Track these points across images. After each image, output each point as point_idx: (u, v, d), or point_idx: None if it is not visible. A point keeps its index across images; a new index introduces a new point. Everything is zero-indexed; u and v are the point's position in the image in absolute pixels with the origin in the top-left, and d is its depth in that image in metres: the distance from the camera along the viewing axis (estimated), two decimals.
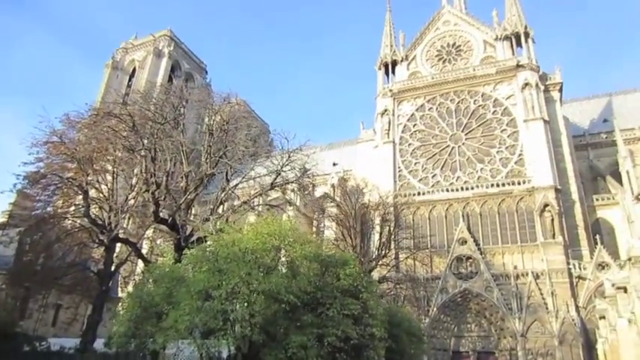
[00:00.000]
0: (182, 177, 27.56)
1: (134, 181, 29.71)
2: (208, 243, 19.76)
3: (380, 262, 40.46)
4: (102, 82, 77.56)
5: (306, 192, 50.34)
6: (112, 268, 30.74)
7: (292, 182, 28.47)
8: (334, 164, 63.00)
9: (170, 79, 73.98)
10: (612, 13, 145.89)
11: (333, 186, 54.50)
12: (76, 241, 31.55)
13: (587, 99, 60.53)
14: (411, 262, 44.88)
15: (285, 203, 37.90)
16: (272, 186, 27.61)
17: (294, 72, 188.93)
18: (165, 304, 18.36)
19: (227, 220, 27.16)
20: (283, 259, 19.26)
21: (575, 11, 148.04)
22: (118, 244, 32.28)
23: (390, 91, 54.37)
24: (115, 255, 32.01)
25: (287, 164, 27.13)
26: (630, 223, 41.18)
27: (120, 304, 26.11)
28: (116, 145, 26.14)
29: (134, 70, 79.67)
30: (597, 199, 46.89)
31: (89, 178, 27.37)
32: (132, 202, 30.80)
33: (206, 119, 38.42)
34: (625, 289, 27.90)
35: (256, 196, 28.88)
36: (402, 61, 56.67)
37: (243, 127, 26.97)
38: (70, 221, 31.59)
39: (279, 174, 26.82)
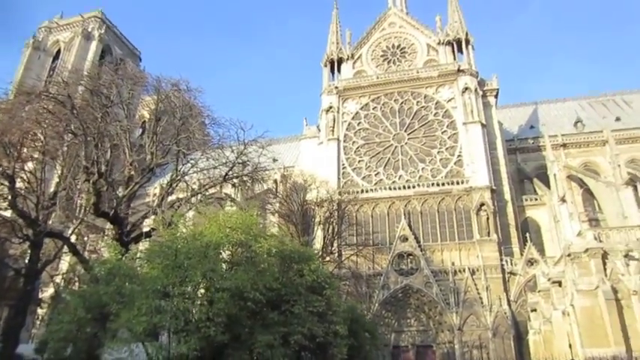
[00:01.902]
0: (126, 166, 25.55)
1: (65, 170, 27.05)
2: (164, 237, 18.26)
3: (324, 259, 40.30)
4: (21, 63, 70.71)
5: (247, 187, 49.12)
6: (39, 266, 27.91)
7: (248, 175, 27.41)
8: (274, 160, 62.00)
9: (100, 65, 69.03)
10: (537, 27, 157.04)
11: (275, 182, 53.60)
12: None
13: (515, 106, 64.34)
14: (354, 259, 45.22)
15: (225, 198, 36.54)
16: (225, 178, 26.41)
17: (233, 66, 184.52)
18: (115, 304, 16.79)
19: (173, 213, 25.60)
20: (246, 254, 18.28)
21: (504, 22, 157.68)
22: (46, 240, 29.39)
23: (336, 88, 54.44)
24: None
25: (242, 156, 26.10)
26: (556, 223, 44.22)
27: (53, 306, 23.73)
28: (51, 128, 23.64)
29: (58, 52, 73.54)
30: (526, 200, 49.88)
31: (16, 165, 24.58)
32: (63, 192, 28.18)
33: (142, 107, 36.16)
34: (560, 283, 29.89)
35: (210, 188, 27.42)
36: (347, 59, 56.97)
37: (196, 114, 25.38)
38: None
39: (234, 165, 25.69)
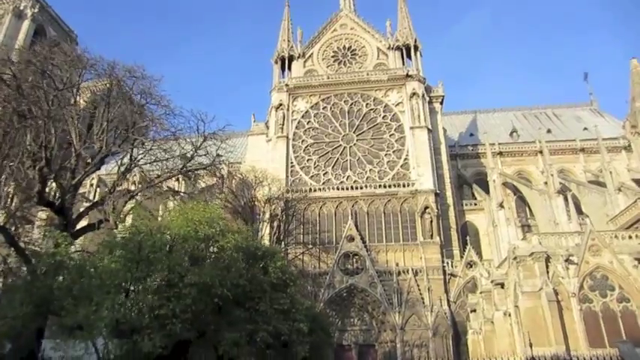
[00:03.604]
0: (73, 154, 23.68)
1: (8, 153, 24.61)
2: (126, 229, 17.07)
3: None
4: None
5: (192, 181, 47.48)
6: None
7: (206, 168, 26.41)
8: (218, 155, 60.44)
9: (32, 46, 63.97)
10: (474, 38, 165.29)
11: (222, 177, 52.16)
12: None
13: (456, 113, 67.25)
14: (301, 258, 45.07)
15: (169, 192, 35.05)
16: (181, 170, 25.27)
17: (177, 58, 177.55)
18: (69, 299, 15.50)
19: (134, 204, 24.19)
20: (213, 248, 17.56)
21: (445, 30, 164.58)
22: None
23: (286, 85, 54.05)
24: None
25: (200, 148, 25.12)
26: (494, 227, 46.75)
27: None
28: None
29: None
30: (466, 205, 52.22)
31: None
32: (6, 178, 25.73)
33: (88, 92, 33.90)
34: (502, 285, 31.47)
35: (165, 180, 26.07)
36: (298, 57, 56.77)
37: (154, 103, 24.02)
38: None
39: (193, 157, 24.64)
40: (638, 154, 31.52)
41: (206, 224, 17.00)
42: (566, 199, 45.16)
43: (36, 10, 68.67)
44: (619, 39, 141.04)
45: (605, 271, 26.28)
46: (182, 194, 37.54)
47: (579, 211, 46.11)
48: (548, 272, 25.89)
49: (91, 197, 52.61)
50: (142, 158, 25.79)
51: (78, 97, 25.21)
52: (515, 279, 27.65)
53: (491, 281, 32.74)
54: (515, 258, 27.22)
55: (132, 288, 15.35)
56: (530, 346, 20.77)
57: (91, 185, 55.17)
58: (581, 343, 24.37)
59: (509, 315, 29.86)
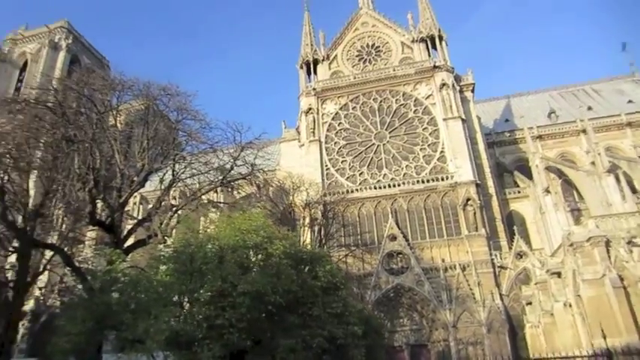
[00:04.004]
0: (118, 173, 24.19)
1: (48, 181, 25.42)
2: (175, 243, 17.11)
3: None
4: None
5: (230, 192, 47.88)
6: (29, 279, 26.14)
7: (245, 177, 26.50)
8: (253, 165, 60.88)
9: (69, 75, 66.80)
10: (500, 19, 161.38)
11: (259, 185, 52.39)
12: None
13: (488, 100, 65.36)
14: (343, 260, 44.57)
15: (210, 204, 35.35)
16: (222, 181, 25.41)
17: (202, 72, 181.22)
18: (128, 314, 15.64)
19: (180, 218, 24.49)
20: (260, 256, 17.37)
21: (467, 16, 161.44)
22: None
23: (314, 89, 53.95)
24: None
25: (238, 158, 25.24)
26: (542, 214, 44.96)
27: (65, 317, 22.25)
28: (41, 137, 22.23)
29: (25, 63, 71.35)
30: (509, 193, 50.49)
31: (6, 176, 22.95)
32: (56, 201, 26.62)
33: (127, 113, 34.65)
34: (559, 275, 30.01)
35: (210, 192, 26.35)
36: (323, 60, 56.63)
37: (191, 118, 24.31)
38: None
39: (232, 168, 24.76)
40: None
41: (253, 232, 16.88)
42: (617, 178, 43.00)
43: (70, 41, 71.81)
44: None
45: None
46: (222, 205, 38.01)
47: (633, 190, 43.84)
48: (609, 257, 24.44)
49: (134, 214, 54.03)
50: (182, 173, 26.16)
51: (117, 119, 25.75)
52: (574, 267, 26.32)
53: (547, 271, 31.31)
54: (571, 245, 25.90)
55: (187, 300, 15.32)
56: (604, 337, 19.40)
57: (134, 203, 56.57)
58: None
59: (570, 305, 28.40)
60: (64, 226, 29.63)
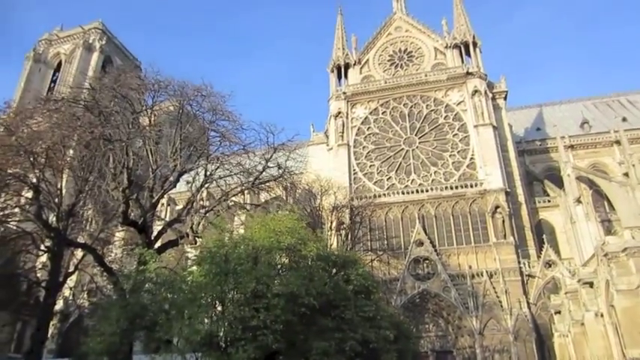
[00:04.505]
0: (150, 173, 24.88)
1: (82, 180, 26.26)
2: (210, 243, 17.55)
3: None
4: (21, 76, 69.82)
5: (257, 192, 48.44)
6: (61, 279, 27.05)
7: (276, 179, 26.94)
8: (278, 168, 61.48)
9: (102, 76, 68.57)
10: (535, 30, 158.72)
11: (285, 189, 52.88)
12: (13, 248, 27.49)
13: (520, 109, 64.44)
14: (370, 265, 44.61)
15: (239, 205, 35.83)
16: (254, 183, 25.89)
17: (231, 73, 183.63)
18: (162, 314, 16.10)
19: (214, 219, 24.98)
20: (296, 258, 17.69)
21: (503, 23, 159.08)
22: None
23: (344, 93, 54.19)
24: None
25: (270, 160, 25.70)
26: (572, 224, 44.21)
27: (97, 317, 22.94)
28: (78, 136, 22.97)
29: (59, 64, 73.03)
30: (538, 202, 49.78)
31: (41, 175, 23.80)
32: (86, 201, 27.48)
33: (160, 113, 35.50)
34: (591, 284, 29.53)
35: (239, 193, 26.87)
36: (354, 64, 56.83)
37: (225, 119, 24.82)
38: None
39: (264, 169, 25.23)
40: None
41: (287, 234, 17.18)
42: None
43: (103, 42, 73.51)
44: None
45: None
46: (250, 207, 38.53)
47: None
48: None
49: (161, 215, 55.09)
50: (214, 173, 26.70)
51: (152, 119, 26.44)
52: (607, 277, 25.81)
53: (578, 280, 30.74)
54: (605, 255, 25.41)
55: (221, 301, 15.70)
56: (630, 347, 19.08)
57: (162, 204, 57.69)
58: None
59: (602, 315, 27.87)
60: (93, 225, 30.46)
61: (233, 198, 29.50)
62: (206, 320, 15.32)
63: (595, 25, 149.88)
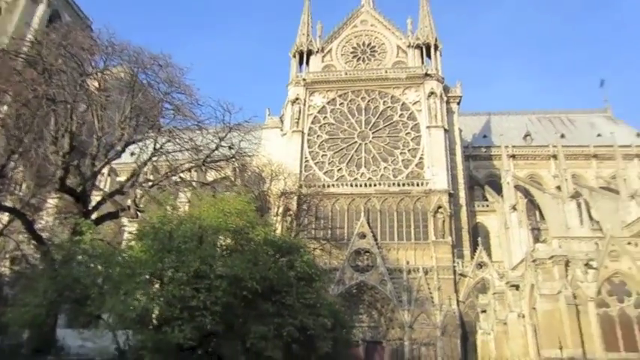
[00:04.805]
0: (95, 140, 23.68)
1: (26, 139, 24.58)
2: (154, 218, 17.03)
3: None
4: None
5: (204, 171, 47.49)
6: None
7: (228, 160, 26.47)
8: (230, 148, 60.49)
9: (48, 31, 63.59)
10: (491, 39, 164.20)
11: (234, 170, 52.17)
12: None
13: (470, 115, 66.68)
14: (312, 252, 45.00)
15: (187, 183, 34.89)
16: (205, 161, 25.29)
17: (190, 48, 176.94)
18: (95, 288, 15.52)
19: (146, 193, 24.16)
20: (242, 241, 17.54)
21: (464, 29, 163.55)
22: None
23: (304, 80, 53.93)
24: None
25: (224, 139, 25.20)
26: (506, 229, 46.63)
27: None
28: (15, 92, 21.33)
29: None
30: (478, 206, 52.09)
31: None
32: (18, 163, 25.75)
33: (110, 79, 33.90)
34: (517, 287, 31.42)
35: (187, 170, 26.16)
36: (317, 52, 56.65)
37: (181, 92, 23.96)
38: None
39: (217, 148, 24.71)
40: None
41: (236, 216, 16.99)
42: (579, 204, 45.03)
43: None
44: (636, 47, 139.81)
45: (623, 277, 26.17)
46: (197, 185, 37.61)
47: (590, 217, 45.95)
48: (567, 276, 25.79)
49: (101, 186, 52.63)
50: (163, 147, 25.79)
51: (102, 84, 25.11)
52: (533, 281, 27.59)
53: (506, 283, 32.67)
54: (534, 260, 27.14)
55: (162, 278, 15.35)
56: (561, 348, 20.61)
57: (102, 174, 55.15)
58: (597, 347, 24.32)
59: (524, 316, 29.84)
60: (24, 189, 28.58)
61: (181, 174, 28.72)
62: (143, 297, 14.85)
63: (548, 44, 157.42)
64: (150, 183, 26.04)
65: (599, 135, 61.18)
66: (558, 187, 51.01)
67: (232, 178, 50.72)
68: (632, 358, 22.64)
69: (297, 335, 17.03)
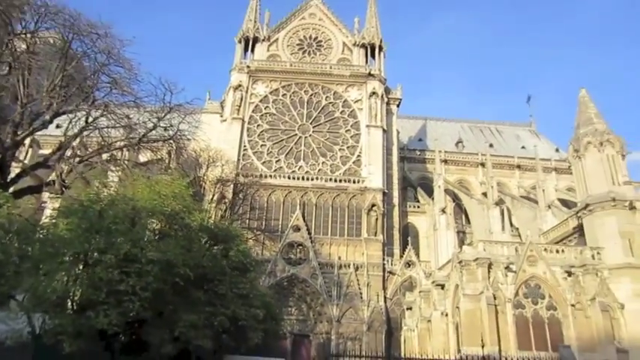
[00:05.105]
0: (19, 107, 21.75)
1: None
2: (83, 196, 15.87)
3: None
4: None
5: (136, 151, 45.27)
6: None
7: (166, 141, 25.31)
8: (165, 129, 58.13)
9: None
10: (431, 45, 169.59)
11: (169, 153, 50.13)
12: None
13: (408, 118, 68.88)
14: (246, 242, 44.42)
15: (113, 161, 33.10)
16: (140, 140, 24.02)
17: (131, 20, 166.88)
18: (10, 266, 14.27)
19: (73, 169, 22.62)
20: (177, 226, 16.80)
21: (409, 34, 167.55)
22: None
23: (248, 67, 52.86)
24: None
25: (163, 119, 24.05)
26: (435, 230, 48.62)
27: None
28: None
29: None
30: (409, 206, 53.82)
31: None
32: None
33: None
34: (443, 286, 32.81)
35: (121, 149, 24.69)
36: (263, 40, 55.69)
37: (120, 64, 22.51)
38: None
39: (155, 127, 23.53)
40: (577, 175, 34.01)
41: (173, 199, 16.24)
42: (502, 211, 47.99)
43: None
44: (562, 67, 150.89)
45: (538, 281, 28.06)
46: (128, 164, 35.64)
47: (511, 223, 49.15)
48: (489, 277, 27.26)
49: (21, 158, 48.65)
50: (96, 121, 24.19)
51: (32, 47, 23.06)
52: (458, 282, 28.88)
53: (433, 282, 34.00)
54: (460, 262, 28.41)
55: (88, 260, 14.36)
56: (482, 346, 21.73)
57: (23, 145, 50.97)
58: (511, 345, 25.90)
59: (447, 315, 31.22)
60: None
61: (113, 152, 27.09)
62: (65, 279, 13.82)
63: (483, 55, 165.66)
64: (78, 158, 24.36)
65: (523, 147, 65.54)
66: (484, 194, 54.15)
67: (167, 161, 48.88)
68: (543, 356, 24.33)
69: (228, 325, 16.64)
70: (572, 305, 27.01)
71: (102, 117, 23.17)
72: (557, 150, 66.18)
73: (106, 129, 25.04)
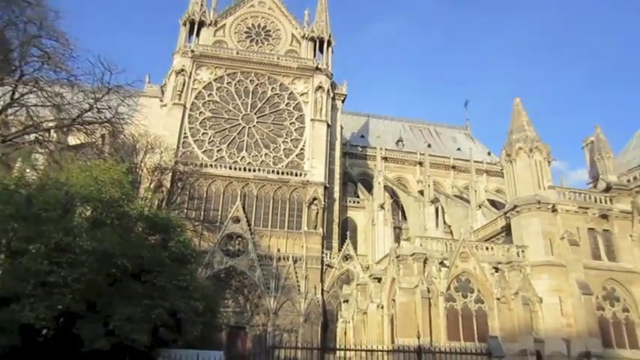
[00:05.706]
0: None
1: None
2: (4, 179, 14.64)
3: None
4: None
5: (65, 133, 42.58)
6: None
7: (103, 123, 23.94)
8: (99, 111, 55.07)
9: None
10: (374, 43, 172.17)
11: (103, 137, 47.53)
12: None
13: (351, 114, 69.77)
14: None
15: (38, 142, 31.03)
16: (74, 120, 22.54)
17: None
18: None
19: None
20: (114, 214, 15.96)
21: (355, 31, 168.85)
22: None
23: (192, 52, 51.11)
24: None
25: (101, 100, 22.73)
26: (373, 226, 49.80)
27: None
28: None
29: None
30: (349, 201, 54.67)
31: None
32: None
33: None
34: (379, 280, 33.69)
35: (50, 130, 23.03)
36: (210, 25, 54.03)
37: (53, 38, 20.93)
38: None
39: (91, 108, 22.17)
40: (508, 178, 36.16)
41: (112, 186, 15.41)
42: (437, 209, 49.98)
43: None
44: (496, 76, 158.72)
45: (469, 276, 29.51)
46: (57, 146, 33.46)
47: (444, 221, 51.34)
48: (424, 272, 28.31)
49: None
50: (22, 98, 22.44)
51: None
52: (395, 275, 29.77)
53: (370, 275, 34.80)
54: (398, 256, 29.28)
55: (14, 249, 13.33)
56: (419, 337, 22.50)
57: None
58: (442, 336, 27.15)
59: (383, 307, 32.13)
60: None
61: (41, 133, 25.25)
62: None
63: (425, 59, 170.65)
64: (2, 137, 22.48)
65: (459, 149, 68.57)
66: (421, 192, 56.12)
67: (100, 145, 46.36)
68: (469, 346, 25.65)
69: (166, 318, 16.11)
70: (498, 299, 28.69)
71: (30, 94, 21.48)
72: (489, 153, 69.80)
73: (34, 107, 23.35)
